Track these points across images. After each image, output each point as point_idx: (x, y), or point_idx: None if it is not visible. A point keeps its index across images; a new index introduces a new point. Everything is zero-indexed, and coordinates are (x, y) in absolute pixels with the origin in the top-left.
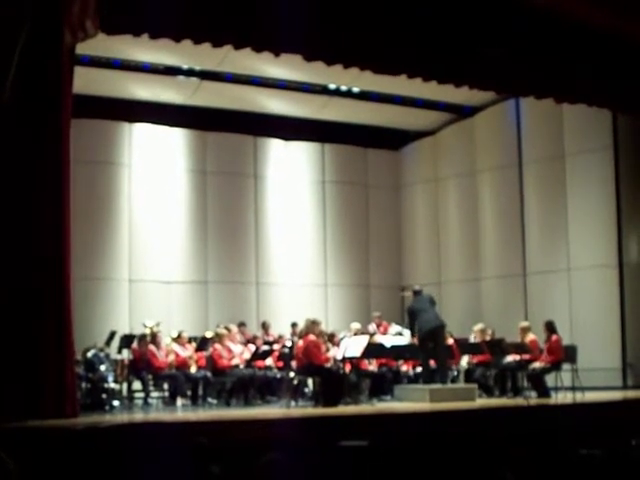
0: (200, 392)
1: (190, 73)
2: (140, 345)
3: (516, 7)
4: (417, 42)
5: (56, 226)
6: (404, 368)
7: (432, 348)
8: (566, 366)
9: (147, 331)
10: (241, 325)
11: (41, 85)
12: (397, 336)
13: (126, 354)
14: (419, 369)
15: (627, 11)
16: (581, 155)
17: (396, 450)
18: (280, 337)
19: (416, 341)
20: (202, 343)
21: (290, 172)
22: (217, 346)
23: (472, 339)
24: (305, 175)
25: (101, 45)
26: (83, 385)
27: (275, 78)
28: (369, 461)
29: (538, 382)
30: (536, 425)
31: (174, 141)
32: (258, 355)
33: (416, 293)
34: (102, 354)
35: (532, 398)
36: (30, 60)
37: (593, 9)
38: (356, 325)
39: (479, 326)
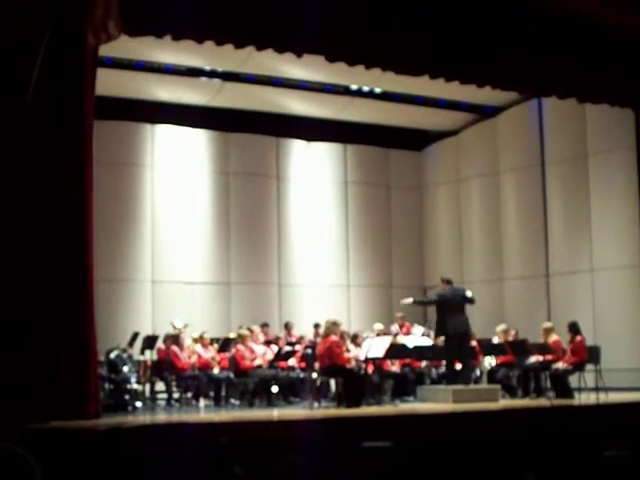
0: (223, 393)
1: (212, 74)
2: (166, 345)
3: (538, 7)
4: (439, 42)
5: (79, 227)
6: (427, 368)
7: (457, 349)
8: (589, 367)
9: (175, 332)
10: (264, 326)
11: (64, 87)
12: (420, 337)
13: (149, 355)
14: (442, 370)
15: None
16: (604, 155)
17: (419, 451)
18: (302, 338)
19: (439, 340)
20: (225, 344)
21: (312, 173)
22: (239, 347)
23: (495, 340)
24: (327, 176)
25: (124, 47)
26: (106, 386)
27: (297, 79)
28: (392, 462)
29: (561, 383)
30: (559, 426)
31: (197, 142)
32: (281, 356)
33: (447, 282)
34: (125, 355)
35: (555, 399)
36: (53, 62)
37: (615, 9)
38: (379, 326)
39: (502, 327)
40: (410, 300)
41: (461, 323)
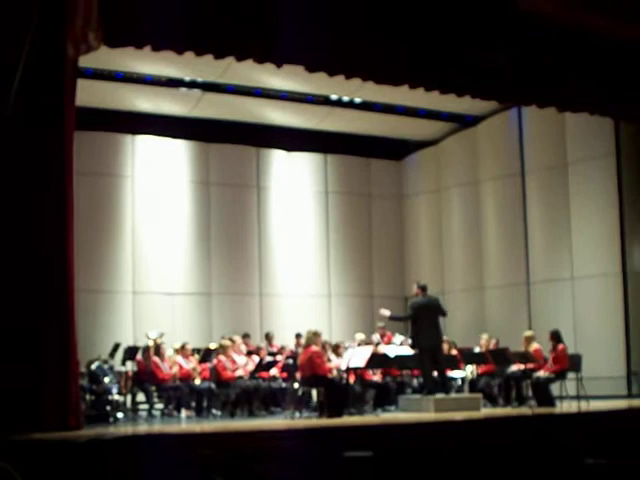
0: (204, 404)
1: (192, 85)
2: (144, 357)
3: (518, 16)
4: (418, 52)
5: (59, 238)
6: (407, 377)
7: (432, 361)
8: (571, 375)
9: (150, 343)
10: (245, 336)
11: (44, 97)
12: (401, 346)
13: (130, 366)
14: (422, 379)
15: (629, 18)
16: (584, 163)
17: (401, 460)
18: (283, 348)
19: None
20: (206, 355)
21: (293, 183)
22: (221, 357)
23: (477, 349)
24: (308, 186)
25: (104, 58)
26: (87, 397)
27: (277, 89)
28: (374, 471)
29: (543, 391)
30: (541, 434)
31: (177, 153)
32: (262, 366)
33: (422, 289)
34: (106, 366)
35: (537, 407)
36: (33, 72)
37: (595, 17)
38: (360, 335)
39: (485, 336)
40: (387, 314)
41: (434, 337)
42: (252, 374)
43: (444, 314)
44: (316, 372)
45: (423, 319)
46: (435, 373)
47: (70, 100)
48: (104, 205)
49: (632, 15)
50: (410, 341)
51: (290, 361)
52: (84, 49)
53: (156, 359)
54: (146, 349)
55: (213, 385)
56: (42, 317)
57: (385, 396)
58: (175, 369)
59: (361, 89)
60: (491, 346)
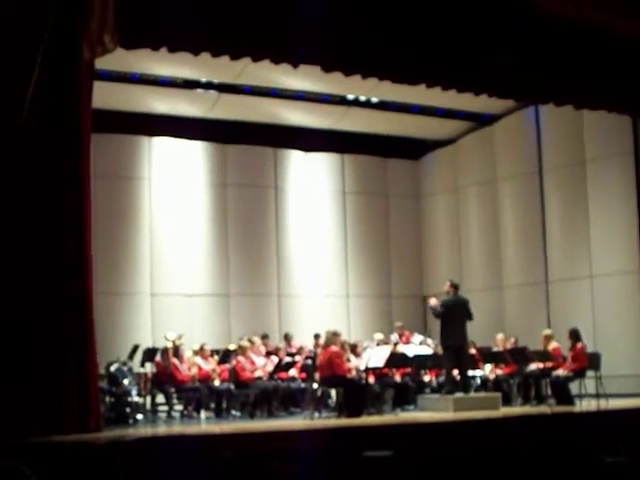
0: (224, 405)
1: (209, 86)
2: (163, 358)
3: (535, 14)
4: (435, 51)
5: (78, 241)
6: (427, 378)
7: (455, 359)
8: (590, 373)
9: (169, 344)
10: (264, 337)
11: (60, 101)
12: (419, 345)
13: (149, 367)
14: (442, 378)
15: None
16: (602, 161)
17: (420, 460)
18: (302, 348)
19: (439, 349)
20: (225, 356)
21: (310, 183)
22: (240, 358)
23: (495, 348)
24: (325, 186)
25: (120, 60)
26: (107, 399)
27: (293, 89)
28: (393, 471)
29: (562, 390)
30: (560, 433)
31: (194, 154)
32: (281, 367)
33: (455, 288)
34: (125, 368)
35: (556, 406)
36: (49, 76)
37: (612, 15)
38: (379, 335)
39: (500, 336)
40: (433, 302)
41: (460, 336)
42: (271, 375)
43: (470, 317)
44: (335, 372)
45: (452, 318)
46: (456, 372)
47: (86, 102)
48: (122, 207)
49: None
50: (432, 340)
51: (309, 361)
52: (100, 51)
53: (175, 360)
54: (165, 351)
55: (232, 386)
56: (62, 319)
57: (404, 396)
58: (194, 370)
59: (377, 88)
60: (509, 345)
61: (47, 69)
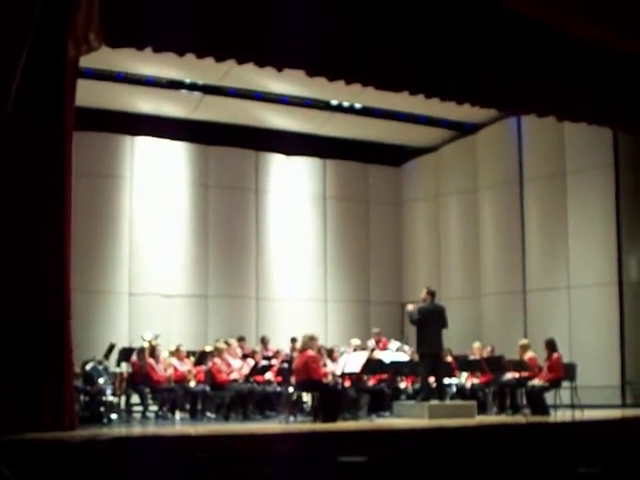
0: (199, 406)
1: (193, 87)
2: (139, 358)
3: (518, 25)
4: (419, 59)
5: (57, 239)
6: (403, 384)
7: (431, 367)
8: (565, 384)
9: (146, 344)
10: (241, 340)
11: (44, 97)
12: (396, 352)
13: (125, 367)
14: (418, 385)
15: (628, 30)
16: (582, 173)
17: (395, 466)
18: (278, 352)
19: (416, 357)
20: (201, 357)
21: (291, 187)
22: (216, 360)
23: (471, 356)
24: (306, 190)
25: (104, 58)
26: (81, 398)
27: (277, 93)
28: (367, 477)
29: (537, 400)
30: (535, 443)
31: (176, 155)
32: (257, 370)
33: (432, 295)
34: (101, 367)
35: (531, 415)
36: (33, 72)
37: (595, 27)
38: (355, 341)
39: (477, 344)
40: (410, 308)
41: (436, 344)
42: (247, 377)
43: (445, 325)
44: (311, 377)
45: (428, 325)
46: (432, 379)
47: (70, 100)
48: (102, 206)
49: (631, 28)
50: (409, 347)
51: (285, 365)
52: (85, 49)
53: (151, 361)
54: (141, 351)
55: (208, 388)
56: (38, 316)
57: (380, 402)
58: (170, 371)
59: (361, 94)
60: (486, 354)
61: (32, 65)
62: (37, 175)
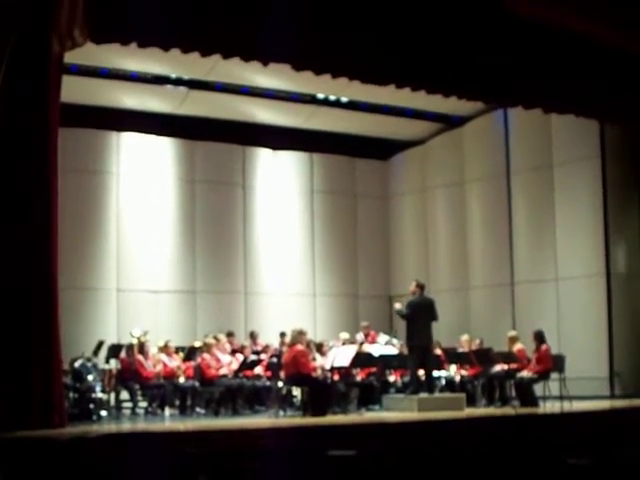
0: (188, 402)
1: (178, 82)
2: (128, 355)
3: (504, 18)
4: (405, 52)
5: (43, 235)
6: (392, 378)
7: (421, 359)
8: (554, 375)
9: (134, 341)
10: (230, 335)
11: (29, 94)
12: (385, 345)
13: (114, 364)
14: (407, 378)
15: (615, 22)
16: (569, 165)
17: (384, 459)
18: (267, 346)
19: (405, 350)
20: (190, 353)
21: (278, 182)
22: (205, 356)
23: (460, 349)
24: (293, 185)
25: (89, 54)
26: (71, 395)
27: (263, 87)
28: (357, 470)
29: (526, 391)
30: (524, 434)
31: (162, 150)
32: (246, 365)
33: (421, 288)
34: (90, 364)
35: (520, 407)
36: (18, 69)
37: (580, 19)
38: (344, 335)
39: (465, 337)
40: (397, 307)
41: (426, 336)
42: (236, 373)
43: (435, 318)
44: (300, 371)
45: (417, 318)
46: (422, 372)
47: (55, 96)
48: (88, 202)
49: (618, 21)
50: (398, 340)
51: (274, 360)
52: (69, 45)
53: (140, 357)
54: (130, 347)
55: (197, 383)
56: (25, 315)
57: (369, 395)
58: (159, 367)
59: (347, 88)
60: (474, 346)
61: (16, 62)
62: (23, 172)
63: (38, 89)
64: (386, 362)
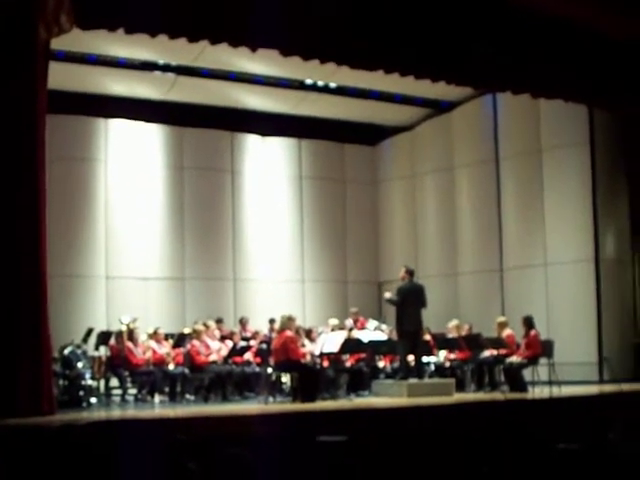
0: (178, 389)
1: (166, 68)
2: (117, 342)
3: (492, 3)
4: (393, 38)
5: (32, 223)
6: (381, 363)
7: (410, 345)
8: (543, 360)
9: (124, 328)
10: (219, 321)
11: (15, 81)
12: (374, 331)
13: (103, 351)
14: (396, 364)
15: (603, 6)
16: (558, 150)
17: (374, 445)
18: (257, 333)
19: (394, 335)
20: (179, 339)
21: (267, 167)
22: (195, 342)
23: (450, 334)
24: (282, 170)
25: (76, 40)
26: (60, 382)
27: (252, 73)
28: (347, 456)
29: (515, 377)
30: (513, 419)
31: (151, 137)
32: (235, 351)
33: (410, 274)
34: (79, 351)
35: (509, 392)
36: (4, 55)
37: (568, 4)
38: (333, 321)
39: (454, 322)
40: (387, 296)
41: (415, 322)
42: (226, 359)
43: (424, 304)
44: (290, 357)
45: (407, 304)
46: (411, 358)
47: (42, 83)
48: (77, 189)
49: (605, 7)
50: (387, 326)
51: (264, 346)
52: (56, 31)
53: (129, 344)
54: (119, 334)
55: (187, 370)
56: (14, 302)
57: (359, 381)
58: (148, 354)
59: (336, 74)
60: (464, 332)
61: (2, 49)
62: (10, 159)
63: (25, 76)
64: (375, 348)
